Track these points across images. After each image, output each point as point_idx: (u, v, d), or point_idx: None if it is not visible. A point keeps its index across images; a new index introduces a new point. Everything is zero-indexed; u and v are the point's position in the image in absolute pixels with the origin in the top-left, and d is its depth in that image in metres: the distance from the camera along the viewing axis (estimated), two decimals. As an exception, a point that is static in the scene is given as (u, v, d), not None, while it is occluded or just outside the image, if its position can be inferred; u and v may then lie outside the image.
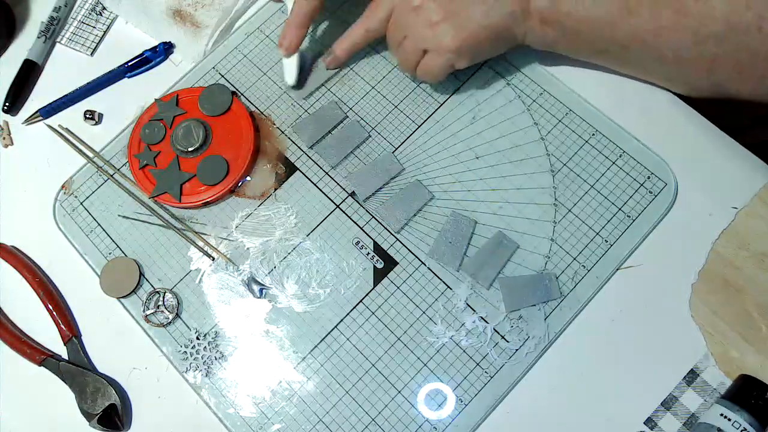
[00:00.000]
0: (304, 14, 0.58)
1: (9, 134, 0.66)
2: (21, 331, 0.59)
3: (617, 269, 0.54)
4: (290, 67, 0.61)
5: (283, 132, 0.62)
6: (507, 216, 0.56)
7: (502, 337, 0.53)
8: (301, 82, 0.62)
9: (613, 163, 0.56)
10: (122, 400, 0.55)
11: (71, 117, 0.66)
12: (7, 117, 0.67)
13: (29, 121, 0.66)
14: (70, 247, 0.60)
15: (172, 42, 0.67)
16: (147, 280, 0.58)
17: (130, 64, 0.66)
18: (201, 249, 0.58)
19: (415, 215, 0.57)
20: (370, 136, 0.60)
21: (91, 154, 0.63)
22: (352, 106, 0.62)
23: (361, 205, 0.58)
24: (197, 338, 0.55)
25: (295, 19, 0.59)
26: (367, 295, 0.55)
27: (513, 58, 0.61)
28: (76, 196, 0.62)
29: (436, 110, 0.60)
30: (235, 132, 0.61)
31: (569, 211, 0.56)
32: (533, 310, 0.53)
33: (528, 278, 0.54)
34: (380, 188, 0.58)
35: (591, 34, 0.53)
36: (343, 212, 0.58)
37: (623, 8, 0.50)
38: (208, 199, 0.59)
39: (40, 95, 0.67)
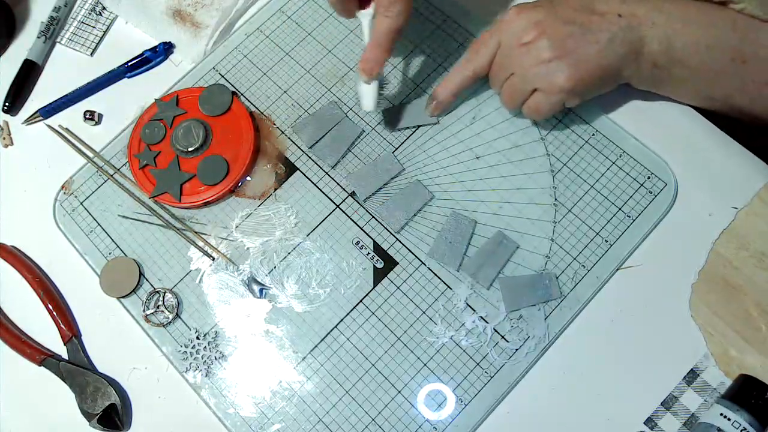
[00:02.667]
0: (388, 33, 0.52)
1: (9, 134, 0.66)
2: (21, 331, 0.59)
3: (617, 269, 0.54)
4: (369, 93, 0.55)
5: (283, 132, 0.62)
6: (507, 216, 0.56)
7: (502, 337, 0.53)
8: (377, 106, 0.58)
9: (613, 163, 0.56)
10: (122, 400, 0.55)
11: (71, 117, 0.66)
12: (7, 117, 0.67)
13: (29, 121, 0.66)
14: (70, 247, 0.60)
15: (172, 42, 0.67)
16: (147, 280, 0.58)
17: (130, 64, 0.66)
18: (201, 249, 0.58)
19: (415, 215, 0.57)
20: (363, 131, 0.60)
21: (91, 154, 0.63)
22: (352, 106, 0.62)
23: (361, 205, 0.58)
24: (197, 338, 0.55)
25: (378, 40, 0.52)
26: (367, 295, 0.55)
27: (513, 58, 0.61)
28: (76, 196, 0.62)
29: (436, 110, 0.60)
30: (235, 132, 0.61)
31: (569, 211, 0.56)
32: (533, 310, 0.53)
33: (528, 278, 0.54)
34: (380, 188, 0.58)
35: (700, 82, 0.53)
36: (343, 212, 0.58)
37: (737, 58, 0.50)
38: (208, 199, 0.59)
39: (40, 95, 0.67)
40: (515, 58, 0.52)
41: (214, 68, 0.65)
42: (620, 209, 0.55)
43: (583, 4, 0.52)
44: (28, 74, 0.67)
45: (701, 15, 0.51)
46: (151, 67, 0.66)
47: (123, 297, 0.58)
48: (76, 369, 0.56)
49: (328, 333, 0.55)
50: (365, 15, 0.55)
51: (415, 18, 0.64)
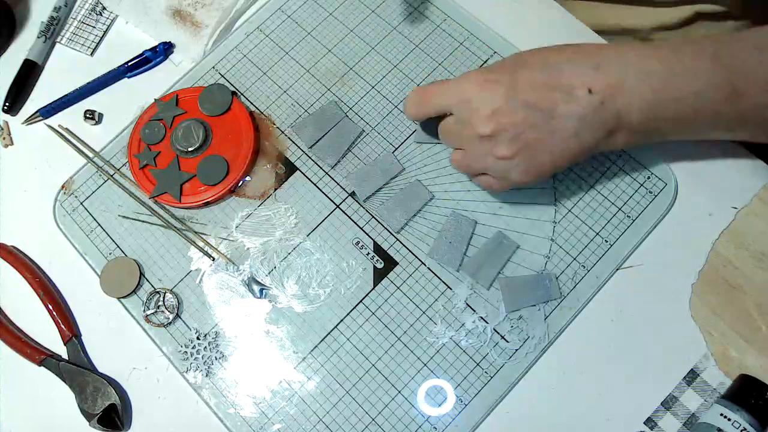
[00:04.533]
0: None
1: (9, 134, 0.66)
2: (21, 331, 0.59)
3: (617, 269, 0.54)
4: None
5: (283, 132, 0.62)
6: (507, 216, 0.56)
7: (502, 337, 0.53)
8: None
9: (613, 163, 0.56)
10: (122, 400, 0.55)
11: (71, 117, 0.66)
12: (7, 117, 0.67)
13: (29, 121, 0.66)
14: (70, 247, 0.60)
15: (172, 42, 0.67)
16: (147, 280, 0.58)
17: (130, 64, 0.66)
18: (201, 249, 0.58)
19: (415, 215, 0.57)
20: (363, 131, 0.60)
21: (91, 154, 0.63)
22: (352, 106, 0.62)
23: (361, 205, 0.58)
24: (197, 338, 0.55)
25: None
26: (367, 295, 0.55)
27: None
28: (76, 196, 0.62)
29: (436, 110, 0.60)
30: (235, 132, 0.61)
31: (569, 211, 0.56)
32: (533, 310, 0.53)
33: (528, 278, 0.54)
34: (380, 188, 0.58)
35: (694, 129, 0.48)
36: (343, 212, 0.58)
37: (731, 93, 0.44)
38: (208, 199, 0.59)
39: (40, 95, 0.67)
40: (468, 142, 0.48)
41: (213, 68, 0.65)
42: (620, 209, 0.55)
43: (549, 77, 0.45)
44: (28, 74, 0.67)
45: (679, 60, 0.45)
46: (151, 67, 0.66)
47: (123, 297, 0.58)
48: (76, 369, 0.56)
49: (329, 333, 0.55)
50: None
51: (415, 18, 0.64)
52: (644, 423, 0.50)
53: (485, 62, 0.61)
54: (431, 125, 0.55)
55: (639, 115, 0.46)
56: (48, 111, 0.66)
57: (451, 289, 0.55)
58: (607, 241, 0.55)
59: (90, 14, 0.70)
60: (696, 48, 0.45)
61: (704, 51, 0.45)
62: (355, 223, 0.58)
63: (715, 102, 0.45)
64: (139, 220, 0.60)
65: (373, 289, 0.56)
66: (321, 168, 0.60)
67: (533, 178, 0.48)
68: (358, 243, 0.57)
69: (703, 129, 0.48)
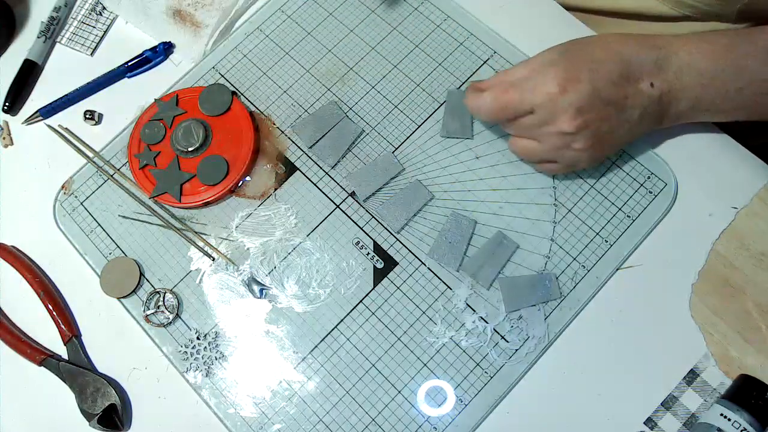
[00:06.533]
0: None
1: (9, 134, 0.66)
2: (21, 331, 0.59)
3: (617, 269, 0.54)
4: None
5: (283, 132, 0.62)
6: (507, 216, 0.56)
7: (502, 337, 0.53)
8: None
9: (613, 162, 0.56)
10: (122, 400, 0.55)
11: (71, 117, 0.65)
12: (7, 117, 0.67)
13: (29, 121, 0.66)
14: (70, 247, 0.60)
15: (172, 42, 0.67)
16: (147, 280, 0.58)
17: (130, 64, 0.66)
18: (201, 249, 0.58)
19: (415, 215, 0.57)
20: (363, 131, 0.60)
21: (91, 154, 0.63)
22: (352, 106, 0.62)
23: (361, 205, 0.58)
24: (197, 338, 0.55)
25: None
26: (367, 295, 0.55)
27: (511, 57, 0.61)
28: (76, 196, 0.62)
29: (436, 110, 0.60)
30: (235, 132, 0.61)
31: (569, 211, 0.56)
32: (533, 310, 0.53)
33: (528, 278, 0.54)
34: (380, 188, 0.58)
35: (731, 115, 0.52)
36: (343, 212, 0.58)
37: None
38: (208, 199, 0.59)
39: (40, 95, 0.67)
40: (547, 138, 0.50)
41: (213, 68, 0.65)
42: (620, 209, 0.55)
43: (621, 70, 0.48)
44: (28, 74, 0.67)
45: (730, 58, 0.49)
46: (151, 67, 0.66)
47: (123, 297, 0.58)
48: (76, 369, 0.56)
49: (329, 333, 0.55)
50: None
51: (415, 17, 0.64)
52: (644, 423, 0.50)
53: (485, 62, 0.61)
54: (461, 120, 0.58)
55: (686, 105, 0.50)
56: (48, 111, 0.66)
57: (451, 289, 0.55)
58: (607, 241, 0.55)
59: (90, 14, 0.70)
60: (749, 47, 0.49)
61: (756, 48, 0.49)
62: (355, 223, 0.58)
63: (757, 94, 0.49)
64: (139, 220, 0.60)
65: (373, 289, 0.56)
66: (321, 168, 0.60)
67: (596, 164, 0.54)
68: (358, 243, 0.57)
69: (740, 116, 0.52)
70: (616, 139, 0.51)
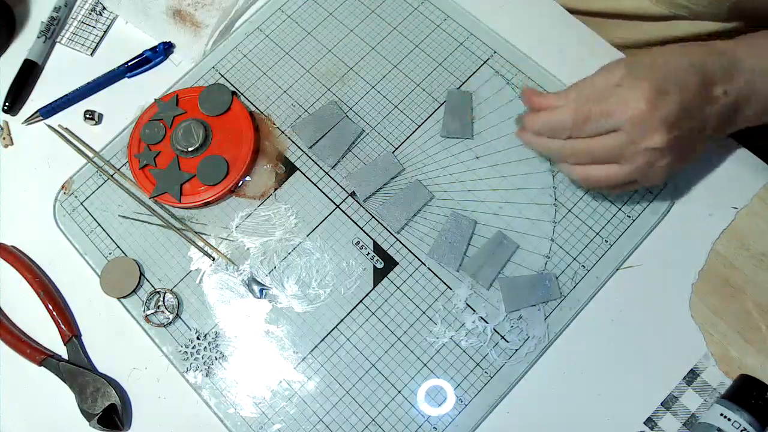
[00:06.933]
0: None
1: (9, 134, 0.66)
2: (21, 331, 0.59)
3: (617, 269, 0.54)
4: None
5: (283, 132, 0.62)
6: (507, 216, 0.56)
7: (502, 337, 0.53)
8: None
9: (613, 163, 0.56)
10: (122, 400, 0.55)
11: (71, 117, 0.65)
12: (7, 117, 0.67)
13: (29, 121, 0.66)
14: (70, 247, 0.60)
15: (172, 42, 0.67)
16: (147, 280, 0.58)
17: (130, 64, 0.66)
18: (201, 249, 0.58)
19: (415, 215, 0.57)
20: (363, 131, 0.60)
21: (91, 154, 0.63)
22: (352, 106, 0.62)
23: (361, 205, 0.58)
24: (197, 338, 0.55)
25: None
26: (367, 295, 0.55)
27: (511, 57, 0.61)
28: (76, 196, 0.62)
29: (436, 110, 0.60)
30: (235, 132, 0.61)
31: (569, 211, 0.56)
32: (533, 310, 0.53)
33: (528, 278, 0.54)
34: (380, 188, 0.58)
35: None
36: (343, 212, 0.58)
37: None
38: (208, 199, 0.59)
39: (40, 95, 0.67)
40: (632, 158, 0.46)
41: (213, 68, 0.65)
42: (620, 209, 0.55)
43: (700, 81, 0.46)
44: (28, 74, 0.67)
45: None
46: (151, 67, 0.66)
47: (123, 297, 0.58)
48: (76, 369, 0.56)
49: (329, 333, 0.55)
50: None
51: (415, 17, 0.64)
52: (644, 423, 0.50)
53: (485, 62, 0.61)
54: (460, 120, 0.58)
55: (756, 109, 0.49)
56: (48, 111, 0.65)
57: (451, 289, 0.55)
58: (607, 241, 0.55)
59: (90, 14, 0.70)
60: None
61: None
62: (355, 223, 0.58)
63: None
64: (139, 220, 0.60)
65: (373, 289, 0.56)
66: (321, 168, 0.60)
67: (666, 178, 0.49)
68: (358, 243, 0.57)
69: None
70: (695, 151, 0.48)
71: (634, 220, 0.55)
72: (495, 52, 0.61)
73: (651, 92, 0.45)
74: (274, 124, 0.62)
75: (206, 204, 0.59)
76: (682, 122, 0.45)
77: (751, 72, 0.48)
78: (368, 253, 0.57)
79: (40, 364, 0.56)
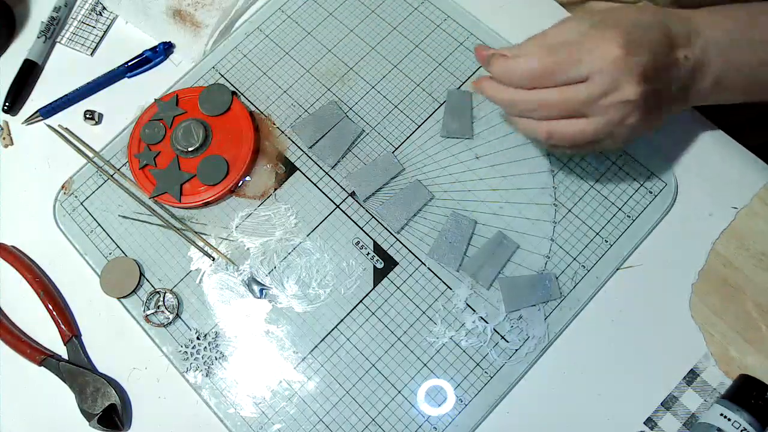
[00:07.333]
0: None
1: (9, 134, 0.66)
2: (21, 331, 0.59)
3: (617, 269, 0.54)
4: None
5: (283, 132, 0.62)
6: (507, 216, 0.56)
7: (502, 337, 0.53)
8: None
9: (613, 163, 0.56)
10: (122, 400, 0.55)
11: (71, 117, 0.66)
12: (7, 117, 0.67)
13: (29, 121, 0.66)
14: (70, 247, 0.60)
15: (172, 42, 0.67)
16: (147, 280, 0.58)
17: (130, 64, 0.66)
18: (201, 249, 0.58)
19: (415, 215, 0.57)
20: (363, 131, 0.60)
21: (91, 154, 0.63)
22: (352, 106, 0.62)
23: (361, 205, 0.58)
24: (197, 338, 0.55)
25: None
26: (367, 295, 0.55)
27: (513, 58, 0.61)
28: (76, 196, 0.62)
29: (436, 110, 0.60)
30: (235, 132, 0.61)
31: (569, 211, 0.56)
32: (533, 310, 0.53)
33: (528, 278, 0.54)
34: (380, 188, 0.58)
35: (751, 95, 0.50)
36: (343, 212, 0.58)
37: None
38: (208, 199, 0.59)
39: (40, 95, 0.67)
40: (603, 111, 0.44)
41: (213, 68, 0.65)
42: (620, 209, 0.55)
43: (667, 40, 0.45)
44: (28, 74, 0.67)
45: (750, 30, 0.47)
46: (151, 67, 0.66)
47: (123, 297, 0.58)
48: (76, 369, 0.56)
49: (329, 333, 0.55)
50: None
51: (415, 17, 0.64)
52: (644, 423, 0.50)
53: (485, 62, 0.61)
54: (460, 120, 0.57)
55: (710, 81, 0.47)
56: (48, 111, 0.66)
57: (451, 289, 0.55)
58: (607, 241, 0.55)
59: (90, 14, 0.70)
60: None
61: None
62: (355, 223, 0.58)
63: None
64: (139, 220, 0.60)
65: (373, 289, 0.56)
66: (321, 168, 0.60)
67: (631, 143, 0.47)
68: (358, 243, 0.57)
69: (764, 96, 0.50)
70: (660, 118, 0.46)
71: (634, 220, 0.55)
72: (495, 52, 0.61)
73: (624, 40, 0.42)
74: (274, 124, 0.62)
75: (206, 204, 0.59)
76: (653, 77, 0.43)
77: (706, 42, 0.46)
78: (368, 253, 0.57)
79: (40, 364, 0.56)
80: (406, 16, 0.64)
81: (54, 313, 0.57)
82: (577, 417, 0.51)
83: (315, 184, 0.59)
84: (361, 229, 0.57)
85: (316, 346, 0.55)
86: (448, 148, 0.59)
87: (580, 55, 0.42)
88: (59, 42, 0.69)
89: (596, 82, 0.42)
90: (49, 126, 0.65)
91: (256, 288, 0.57)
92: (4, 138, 0.66)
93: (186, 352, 0.55)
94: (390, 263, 0.56)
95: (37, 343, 0.58)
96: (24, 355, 0.57)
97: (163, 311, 0.57)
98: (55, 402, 0.56)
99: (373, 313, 0.55)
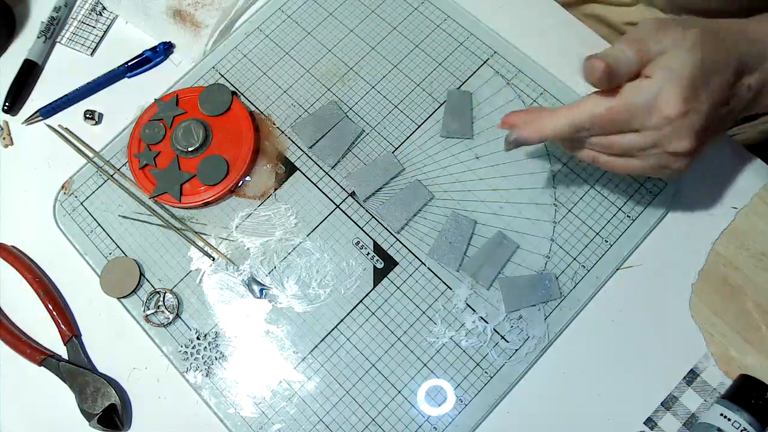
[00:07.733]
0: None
1: (9, 134, 0.66)
2: (21, 331, 0.59)
3: (617, 269, 0.54)
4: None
5: (283, 132, 0.62)
6: (507, 216, 0.56)
7: (502, 337, 0.53)
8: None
9: (613, 163, 0.56)
10: (122, 400, 0.55)
11: (71, 117, 0.66)
12: (7, 117, 0.67)
13: (29, 121, 0.66)
14: (70, 247, 0.60)
15: (172, 42, 0.67)
16: (147, 280, 0.58)
17: (130, 64, 0.66)
18: (201, 249, 0.58)
19: (415, 215, 0.57)
20: (363, 131, 0.60)
21: (91, 154, 0.63)
22: (352, 106, 0.62)
23: (361, 205, 0.58)
24: (197, 338, 0.55)
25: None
26: (367, 295, 0.55)
27: (511, 57, 0.61)
28: (76, 196, 0.62)
29: (436, 110, 0.60)
30: (235, 132, 0.61)
31: (569, 211, 0.56)
32: (533, 310, 0.53)
33: (528, 278, 0.54)
34: (380, 188, 0.58)
35: None
36: (343, 212, 0.58)
37: None
38: (208, 199, 0.59)
39: (40, 95, 0.67)
40: (648, 158, 0.44)
41: (213, 68, 0.65)
42: (620, 209, 0.55)
43: (736, 71, 0.43)
44: (28, 74, 0.67)
45: None
46: (151, 67, 0.66)
47: (123, 297, 0.58)
48: (76, 369, 0.56)
49: (329, 333, 0.55)
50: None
51: (415, 17, 0.64)
52: (644, 423, 0.50)
53: (485, 62, 0.61)
54: (460, 120, 0.57)
55: (766, 102, 0.46)
56: (48, 111, 0.66)
57: (451, 289, 0.55)
58: (607, 241, 0.55)
59: (90, 14, 0.70)
60: None
61: None
62: (355, 223, 0.58)
63: None
64: (139, 220, 0.60)
65: (373, 289, 0.56)
66: (321, 168, 0.60)
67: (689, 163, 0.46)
68: (358, 243, 0.57)
69: None
70: (714, 140, 0.45)
71: (634, 220, 0.55)
72: (495, 52, 0.61)
73: (685, 96, 0.41)
74: (274, 124, 0.62)
75: (206, 204, 0.59)
76: (708, 128, 0.42)
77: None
78: (368, 253, 0.57)
79: (40, 364, 0.56)
80: (406, 16, 0.64)
81: (54, 313, 0.57)
82: (577, 417, 0.51)
83: (315, 184, 0.59)
84: (361, 229, 0.57)
85: (316, 346, 0.55)
86: (448, 148, 0.59)
87: (636, 112, 0.42)
88: (59, 42, 0.69)
89: (644, 136, 0.43)
90: (49, 126, 0.65)
91: (256, 288, 0.57)
92: (4, 138, 0.66)
93: (186, 352, 0.55)
94: (390, 263, 0.56)
95: (37, 343, 0.58)
96: (24, 355, 0.57)
97: (163, 311, 0.57)
98: (55, 402, 0.56)
99: (373, 313, 0.55)
